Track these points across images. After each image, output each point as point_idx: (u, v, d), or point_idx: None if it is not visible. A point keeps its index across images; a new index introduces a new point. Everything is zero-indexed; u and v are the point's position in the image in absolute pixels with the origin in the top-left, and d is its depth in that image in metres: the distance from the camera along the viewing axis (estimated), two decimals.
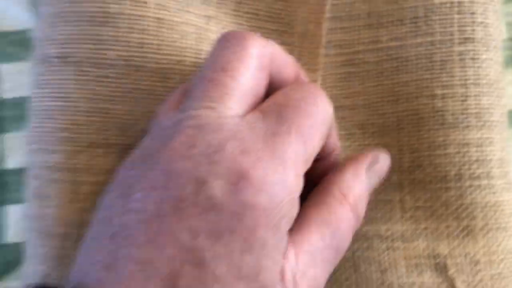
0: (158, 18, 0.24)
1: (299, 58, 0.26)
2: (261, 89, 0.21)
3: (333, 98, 0.25)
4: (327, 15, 0.26)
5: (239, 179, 0.17)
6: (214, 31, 0.25)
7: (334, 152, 0.23)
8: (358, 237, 0.24)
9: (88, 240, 0.19)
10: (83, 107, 0.24)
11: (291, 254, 0.19)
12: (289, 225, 0.19)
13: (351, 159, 0.23)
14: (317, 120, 0.20)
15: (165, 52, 0.25)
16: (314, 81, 0.26)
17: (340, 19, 0.26)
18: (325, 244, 0.20)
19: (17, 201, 0.31)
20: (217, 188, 0.17)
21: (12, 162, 0.31)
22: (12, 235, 0.31)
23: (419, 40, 0.25)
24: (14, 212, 0.31)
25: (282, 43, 0.25)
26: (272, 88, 0.22)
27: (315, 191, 0.21)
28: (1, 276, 0.30)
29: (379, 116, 0.25)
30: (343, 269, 0.24)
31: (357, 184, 0.22)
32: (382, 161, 0.23)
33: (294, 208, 0.19)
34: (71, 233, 0.24)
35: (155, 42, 0.24)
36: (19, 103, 0.31)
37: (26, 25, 0.31)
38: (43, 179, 0.25)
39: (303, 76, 0.23)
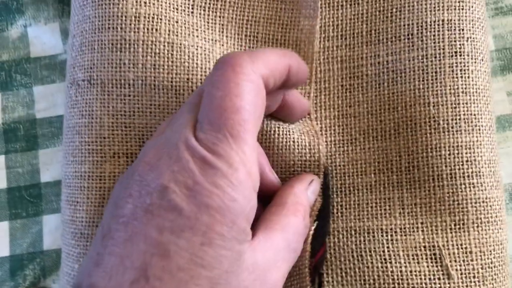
0: (169, 42, 0.28)
1: None
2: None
3: (338, 107, 0.28)
4: (332, 34, 0.29)
5: (194, 185, 0.20)
6: (218, 52, 0.29)
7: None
8: (362, 231, 0.27)
9: (92, 243, 0.23)
10: (107, 123, 0.28)
11: (258, 246, 0.22)
12: (247, 220, 0.21)
13: (296, 178, 0.26)
14: (247, 110, 0.21)
15: (176, 72, 0.28)
16: (308, 94, 0.29)
17: (343, 37, 0.29)
18: (286, 243, 0.23)
19: (52, 211, 0.33)
20: (177, 192, 0.20)
21: (47, 176, 0.33)
22: (48, 243, 0.33)
23: (413, 54, 0.28)
24: (50, 222, 0.33)
25: None
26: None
27: (273, 202, 0.25)
28: (40, 280, 0.33)
29: (379, 123, 0.28)
30: (347, 260, 0.27)
31: (304, 199, 0.25)
32: (316, 183, 0.27)
33: (248, 203, 0.21)
34: None
35: (167, 63, 0.28)
36: (52, 122, 0.34)
37: (57, 50, 0.34)
38: (74, 187, 0.28)
39: (296, 61, 0.24)
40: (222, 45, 0.29)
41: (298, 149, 0.27)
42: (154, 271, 0.19)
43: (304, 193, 0.25)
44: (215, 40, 0.29)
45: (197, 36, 0.29)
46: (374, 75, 0.28)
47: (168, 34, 0.28)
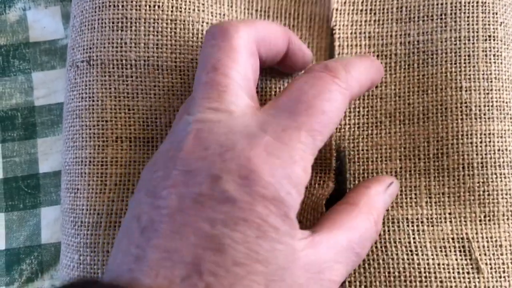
0: (172, 20, 0.26)
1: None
2: (254, 72, 0.22)
3: None
4: (361, 7, 0.27)
5: (249, 173, 0.19)
6: None
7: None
8: (386, 220, 0.25)
9: (120, 237, 0.20)
10: (109, 105, 0.26)
11: (318, 243, 0.20)
12: (295, 213, 0.20)
13: (374, 179, 0.25)
14: (329, 116, 0.21)
15: (180, 51, 0.26)
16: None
17: (373, 11, 0.27)
18: (350, 246, 0.21)
19: (51, 203, 0.32)
20: (230, 182, 0.19)
21: (46, 166, 0.32)
22: (47, 236, 0.31)
23: (446, 35, 0.26)
24: (48, 214, 0.31)
25: None
26: (266, 61, 0.23)
27: (343, 200, 0.23)
28: (38, 275, 0.31)
29: (407, 106, 0.26)
30: (370, 251, 0.25)
31: (380, 202, 0.23)
32: (395, 185, 0.25)
33: (299, 197, 0.20)
34: (100, 222, 0.26)
35: (170, 42, 0.26)
36: (51, 110, 0.32)
37: (57, 35, 0.33)
38: (75, 173, 0.27)
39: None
40: (231, 20, 0.27)
41: None
42: (208, 266, 0.18)
43: (381, 195, 0.24)
44: (223, 15, 0.27)
45: (203, 11, 0.27)
46: (403, 55, 0.26)
47: (172, 11, 0.26)
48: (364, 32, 0.27)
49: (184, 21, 0.26)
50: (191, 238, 0.18)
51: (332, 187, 0.26)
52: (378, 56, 0.27)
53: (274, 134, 0.20)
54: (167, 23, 0.26)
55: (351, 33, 0.27)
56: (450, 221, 0.25)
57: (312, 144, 0.20)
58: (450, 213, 0.25)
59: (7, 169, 0.32)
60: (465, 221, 0.25)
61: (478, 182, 0.25)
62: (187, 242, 0.18)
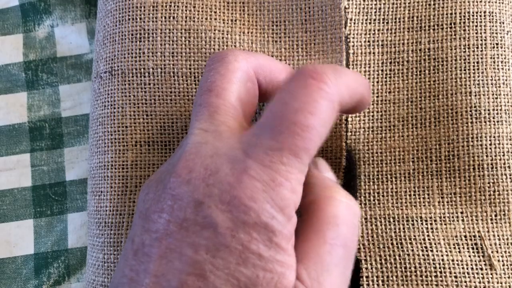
0: (186, 29, 0.28)
1: (322, 42, 0.28)
2: (253, 96, 0.22)
3: (378, 92, 0.28)
4: (374, 17, 0.28)
5: (231, 199, 0.19)
6: (237, 32, 0.28)
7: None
8: (401, 219, 0.26)
9: (121, 256, 0.21)
10: (128, 112, 0.27)
11: (300, 269, 0.19)
12: (287, 239, 0.19)
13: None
14: (315, 131, 0.19)
15: (194, 58, 0.28)
16: (340, 61, 0.28)
17: (385, 21, 0.28)
18: (329, 247, 0.20)
19: (77, 209, 0.33)
20: (212, 208, 0.19)
21: (72, 174, 0.33)
22: (73, 241, 0.32)
23: (455, 43, 0.27)
24: (74, 220, 0.33)
25: (306, 31, 0.28)
26: (267, 91, 0.23)
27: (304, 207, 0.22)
28: (65, 278, 0.32)
29: (419, 110, 0.27)
30: (386, 247, 0.26)
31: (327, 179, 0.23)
32: (321, 160, 0.25)
33: (288, 221, 0.19)
34: (122, 222, 0.27)
35: (185, 50, 0.28)
36: (77, 120, 0.34)
37: (83, 50, 0.35)
38: (98, 177, 0.28)
39: (368, 92, 0.24)
40: (243, 24, 0.28)
41: None
42: None
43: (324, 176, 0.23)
44: (235, 20, 0.28)
45: (215, 19, 0.28)
46: (415, 61, 0.28)
47: (185, 21, 0.28)
48: (377, 40, 0.28)
49: (197, 30, 0.28)
50: (176, 263, 0.18)
51: (340, 184, 0.26)
52: (390, 63, 0.28)
53: (257, 158, 0.19)
54: (181, 33, 0.28)
55: (365, 41, 0.28)
56: (462, 220, 0.26)
57: (298, 163, 0.19)
58: (462, 212, 0.26)
59: (35, 177, 0.33)
60: (476, 220, 0.26)
61: (489, 183, 0.26)
62: (172, 267, 0.19)
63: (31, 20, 0.35)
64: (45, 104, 0.34)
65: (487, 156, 0.26)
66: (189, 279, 0.18)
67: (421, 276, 0.25)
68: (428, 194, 0.27)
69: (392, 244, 0.26)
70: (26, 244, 0.32)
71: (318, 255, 0.20)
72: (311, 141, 0.19)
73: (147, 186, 0.21)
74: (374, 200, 0.27)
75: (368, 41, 0.28)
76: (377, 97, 0.28)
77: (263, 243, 0.18)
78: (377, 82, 0.28)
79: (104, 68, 0.28)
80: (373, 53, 0.28)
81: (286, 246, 0.19)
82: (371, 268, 0.25)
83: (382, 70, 0.28)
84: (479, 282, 0.25)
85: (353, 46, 0.28)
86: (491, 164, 0.26)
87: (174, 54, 0.28)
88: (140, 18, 0.28)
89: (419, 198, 0.27)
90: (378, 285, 0.25)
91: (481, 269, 0.25)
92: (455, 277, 0.25)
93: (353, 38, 0.28)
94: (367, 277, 0.25)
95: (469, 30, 0.27)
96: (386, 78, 0.28)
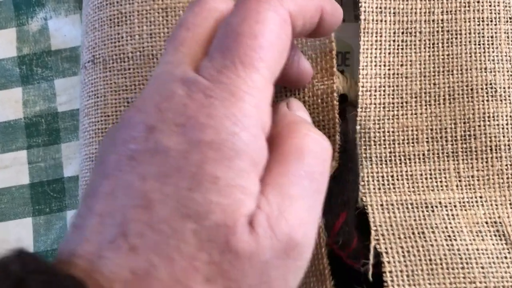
0: (163, 9, 0.26)
1: None
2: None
3: (390, 65, 0.25)
4: None
5: (185, 120, 0.17)
6: None
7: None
8: (419, 205, 0.24)
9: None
10: (110, 100, 0.26)
11: (259, 198, 0.17)
12: (252, 162, 0.17)
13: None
14: (265, 39, 0.18)
15: None
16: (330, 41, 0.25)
17: None
18: (293, 177, 0.18)
19: (76, 206, 0.32)
20: (165, 132, 0.17)
21: (70, 170, 0.33)
22: None
23: (469, 15, 0.25)
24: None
25: None
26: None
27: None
28: None
29: (433, 86, 0.25)
30: (407, 238, 0.23)
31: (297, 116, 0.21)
32: (294, 100, 0.23)
33: (254, 140, 0.17)
34: None
35: (163, 31, 0.26)
36: (74, 115, 0.33)
37: (77, 42, 0.34)
38: (85, 170, 0.27)
39: (330, 2, 0.21)
40: None
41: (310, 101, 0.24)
42: (133, 226, 0.16)
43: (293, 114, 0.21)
44: None
45: None
46: (428, 33, 0.25)
47: (162, 0, 0.26)
48: (389, 8, 0.25)
49: (174, 8, 0.26)
50: (123, 198, 0.17)
51: (335, 166, 0.24)
52: (403, 33, 0.25)
53: (211, 77, 0.17)
54: (158, 12, 0.26)
55: (376, 7, 0.25)
56: (482, 205, 0.24)
57: (256, 75, 0.17)
58: (481, 197, 0.24)
59: (33, 175, 0.33)
60: (496, 205, 0.24)
61: (506, 165, 0.24)
62: (118, 203, 0.17)
63: (24, 13, 0.34)
64: (41, 99, 0.33)
65: (503, 136, 0.25)
66: (134, 212, 0.16)
67: (447, 268, 0.22)
68: (445, 178, 0.24)
69: (413, 233, 0.23)
70: (25, 243, 0.32)
71: (279, 185, 0.18)
72: (263, 49, 0.18)
73: (109, 129, 0.20)
74: (388, 185, 0.24)
75: (379, 7, 0.25)
76: (389, 70, 0.25)
77: (221, 163, 0.16)
78: (389, 53, 0.25)
79: (87, 57, 0.27)
80: (385, 21, 0.25)
81: (250, 168, 0.17)
82: (394, 262, 0.22)
83: (394, 41, 0.25)
84: (505, 272, 0.23)
85: (364, 11, 0.25)
86: (508, 145, 0.25)
87: (152, 35, 0.26)
88: (117, 2, 0.27)
89: (436, 182, 0.24)
90: (403, 280, 0.22)
91: (506, 257, 0.23)
92: (482, 267, 0.23)
93: (365, 2, 0.25)
94: (390, 272, 0.22)
95: (482, 2, 0.26)
96: (398, 49, 0.25)
